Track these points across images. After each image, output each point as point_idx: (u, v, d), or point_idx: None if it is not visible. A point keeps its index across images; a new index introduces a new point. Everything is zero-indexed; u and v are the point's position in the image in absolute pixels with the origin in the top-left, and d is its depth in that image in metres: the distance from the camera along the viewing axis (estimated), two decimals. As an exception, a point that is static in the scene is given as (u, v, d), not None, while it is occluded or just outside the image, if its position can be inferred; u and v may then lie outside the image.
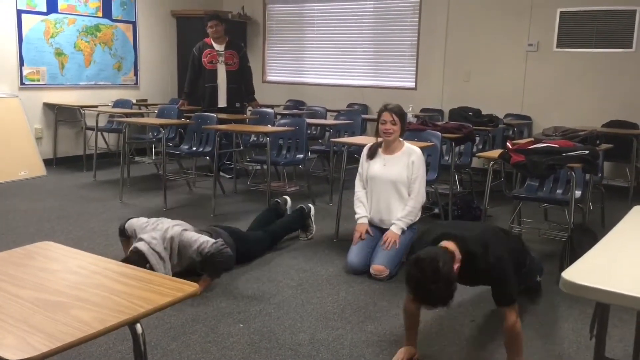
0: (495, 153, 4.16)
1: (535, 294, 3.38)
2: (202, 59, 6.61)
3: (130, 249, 3.35)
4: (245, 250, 3.82)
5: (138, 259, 3.13)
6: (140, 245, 3.24)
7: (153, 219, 3.53)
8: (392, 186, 3.83)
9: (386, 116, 3.79)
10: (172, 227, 3.41)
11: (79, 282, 1.45)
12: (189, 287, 1.41)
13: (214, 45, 6.63)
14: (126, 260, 3.06)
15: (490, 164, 4.14)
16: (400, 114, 3.80)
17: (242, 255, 3.76)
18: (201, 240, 3.36)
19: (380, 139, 3.92)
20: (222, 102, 6.66)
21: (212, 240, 3.37)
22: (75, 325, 1.19)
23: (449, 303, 2.26)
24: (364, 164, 3.99)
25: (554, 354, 2.74)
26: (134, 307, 1.29)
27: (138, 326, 1.34)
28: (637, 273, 1.49)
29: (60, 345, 1.10)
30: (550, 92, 6.88)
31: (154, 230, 3.37)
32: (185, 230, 3.43)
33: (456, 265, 2.30)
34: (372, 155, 3.95)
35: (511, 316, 2.42)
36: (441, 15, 7.46)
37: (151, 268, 3.14)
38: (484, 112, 6.20)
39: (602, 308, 2.00)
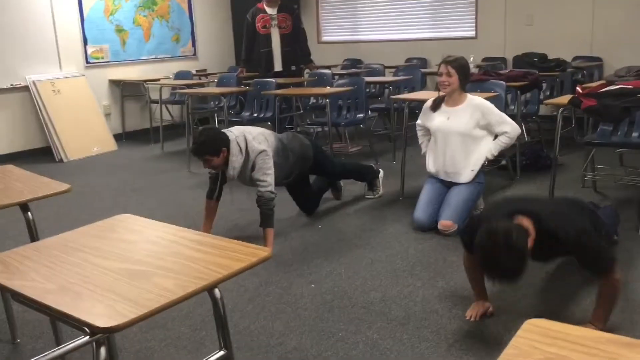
0: (565, 99, 3.99)
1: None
2: (256, 24, 6.51)
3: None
4: (321, 159, 3.99)
5: (214, 138, 3.40)
6: (234, 130, 3.55)
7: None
8: (457, 138, 3.76)
9: (442, 68, 3.74)
10: (266, 144, 3.60)
11: (158, 252, 1.51)
12: (262, 252, 1.45)
13: (267, 9, 6.52)
14: (201, 132, 3.46)
15: (560, 111, 3.98)
16: (458, 65, 3.70)
17: (315, 167, 3.96)
18: (265, 177, 3.48)
19: (442, 93, 3.84)
20: (277, 66, 6.55)
21: (271, 188, 3.47)
22: (158, 292, 1.25)
23: (517, 279, 2.19)
24: (427, 115, 3.93)
25: (636, 305, 2.66)
26: (212, 273, 1.34)
27: (216, 291, 1.40)
28: None
29: (146, 312, 1.16)
30: (621, 30, 6.48)
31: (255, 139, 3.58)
32: (268, 156, 3.54)
33: (530, 242, 2.20)
34: (435, 107, 3.88)
35: (612, 278, 2.30)
36: (500, -43, 7.12)
37: (217, 162, 3.43)
38: (550, 57, 5.95)
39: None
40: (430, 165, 3.92)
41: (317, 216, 4.12)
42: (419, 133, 4.08)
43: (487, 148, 3.77)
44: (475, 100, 3.78)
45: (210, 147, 3.42)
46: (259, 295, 2.95)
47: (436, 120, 3.85)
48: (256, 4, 6.64)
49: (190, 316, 2.75)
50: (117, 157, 6.53)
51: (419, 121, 4.05)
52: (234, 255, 1.43)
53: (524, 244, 2.14)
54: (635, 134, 4.04)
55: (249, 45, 6.65)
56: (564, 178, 4.56)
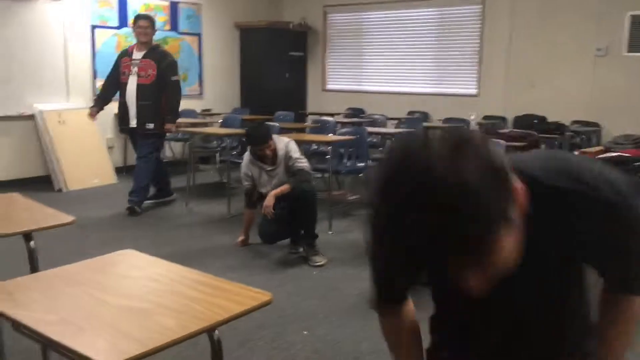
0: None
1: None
2: (120, 68, 5.49)
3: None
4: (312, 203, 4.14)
5: (260, 128, 4.31)
6: (280, 138, 4.23)
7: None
8: None
9: None
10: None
11: (159, 290, 1.53)
12: (263, 296, 1.47)
13: (134, 51, 5.45)
14: (251, 125, 4.47)
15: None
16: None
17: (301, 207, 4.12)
18: (302, 157, 4.18)
19: None
20: (132, 121, 5.49)
21: (309, 166, 4.20)
22: (159, 330, 1.26)
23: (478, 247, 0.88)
24: None
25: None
26: (212, 314, 1.36)
27: (216, 333, 1.41)
28: None
29: (147, 350, 1.17)
30: (620, 98, 6.64)
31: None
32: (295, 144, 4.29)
33: (521, 195, 0.93)
34: None
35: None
36: (505, 20, 7.35)
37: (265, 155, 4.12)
38: (549, 120, 6.06)
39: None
40: None
41: (312, 264, 4.12)
42: None
43: None
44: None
45: (267, 135, 4.13)
46: (251, 338, 2.94)
47: None
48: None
49: (182, 356, 2.73)
50: (116, 190, 6.55)
51: None
52: (235, 298, 1.45)
53: (502, 165, 0.89)
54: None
55: (105, 84, 5.69)
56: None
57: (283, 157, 4.15)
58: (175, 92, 5.52)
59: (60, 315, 1.34)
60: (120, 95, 5.52)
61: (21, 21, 6.42)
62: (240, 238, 4.44)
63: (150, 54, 5.41)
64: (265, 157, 4.16)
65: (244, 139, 6.73)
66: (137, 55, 5.41)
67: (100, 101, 5.72)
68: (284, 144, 4.18)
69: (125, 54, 5.49)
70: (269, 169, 4.18)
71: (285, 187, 4.03)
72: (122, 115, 5.57)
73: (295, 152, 4.16)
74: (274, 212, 3.98)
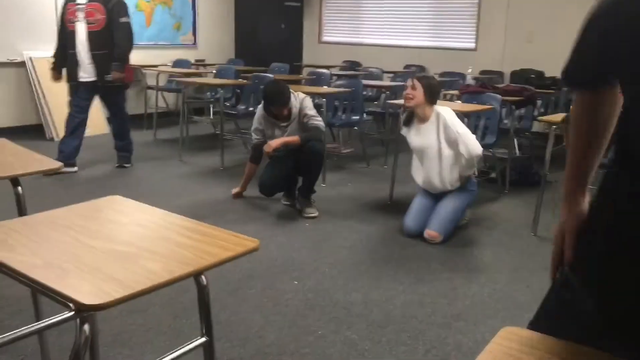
0: (558, 117, 4.03)
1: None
2: (65, 16, 4.91)
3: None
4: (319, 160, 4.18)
5: (277, 86, 4.06)
6: (295, 94, 4.10)
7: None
8: (428, 156, 3.78)
9: (409, 81, 3.78)
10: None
11: (146, 235, 1.51)
12: (250, 242, 1.46)
13: None
14: (265, 88, 4.10)
15: (552, 128, 4.03)
16: (427, 83, 3.73)
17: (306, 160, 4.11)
18: (317, 114, 4.10)
19: (406, 104, 3.84)
20: (83, 74, 4.89)
21: (323, 124, 4.14)
22: (144, 274, 1.26)
23: None
24: (404, 130, 3.95)
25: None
26: (199, 259, 1.35)
27: (203, 278, 1.40)
28: None
29: (133, 292, 1.17)
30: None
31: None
32: (310, 100, 4.21)
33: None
34: (407, 123, 3.90)
35: None
36: (505, -28, 7.19)
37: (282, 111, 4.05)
38: (547, 75, 6.00)
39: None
40: (419, 179, 3.93)
41: (304, 216, 4.13)
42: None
43: (457, 171, 3.74)
44: (440, 115, 3.74)
45: (287, 97, 4.02)
46: (241, 287, 2.96)
47: (411, 138, 3.88)
48: None
49: (171, 303, 2.75)
50: (108, 140, 6.49)
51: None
52: (221, 243, 1.44)
53: None
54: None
55: (59, 36, 5.01)
56: (552, 196, 4.61)
57: (297, 113, 4.09)
58: (125, 36, 4.88)
59: (45, 259, 1.32)
60: (69, 46, 4.88)
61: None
62: (236, 190, 4.43)
63: None
64: (281, 115, 4.10)
65: (237, 90, 6.70)
66: None
67: (60, 60, 4.99)
68: (299, 100, 4.11)
69: None
70: (283, 124, 4.13)
71: (295, 139, 4.00)
72: (71, 68, 4.93)
73: (310, 109, 4.09)
74: (273, 153, 4.00)
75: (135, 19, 7.44)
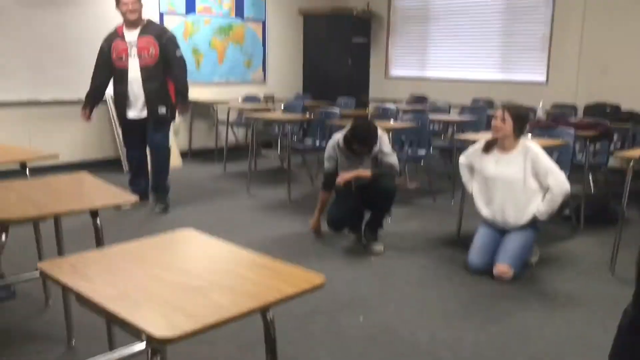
0: (636, 152, 3.86)
1: None
2: (111, 54, 4.80)
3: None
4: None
5: (369, 127, 3.98)
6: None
7: None
8: (503, 187, 3.69)
9: (497, 112, 3.72)
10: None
11: (216, 269, 1.55)
12: (316, 278, 1.47)
13: (125, 33, 4.77)
14: (355, 125, 4.00)
15: (630, 164, 3.86)
16: (516, 113, 3.66)
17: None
18: (394, 155, 4.09)
19: (494, 136, 3.78)
20: (133, 111, 4.85)
21: (397, 162, 4.11)
22: (214, 308, 1.29)
23: None
24: (476, 156, 3.88)
25: None
26: (266, 295, 1.37)
27: (269, 314, 1.42)
28: None
29: (202, 326, 1.20)
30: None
31: None
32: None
33: None
34: (487, 149, 3.82)
35: None
36: (577, 2, 7.03)
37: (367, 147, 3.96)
38: (623, 108, 5.77)
39: None
40: (484, 211, 3.85)
41: (370, 251, 4.11)
42: (464, 171, 4.02)
43: (535, 205, 3.64)
44: (529, 148, 3.66)
45: (375, 139, 3.97)
46: (306, 322, 2.96)
47: (484, 164, 3.80)
48: (116, 27, 4.88)
49: (238, 336, 2.78)
50: (181, 173, 6.73)
51: (462, 159, 4.00)
52: (288, 279, 1.46)
53: None
54: None
55: (96, 78, 4.92)
56: (631, 234, 4.39)
57: (374, 149, 4.05)
58: (182, 70, 4.85)
59: (119, 290, 1.38)
60: (116, 83, 4.84)
61: (95, 13, 6.64)
62: (313, 221, 4.37)
63: (147, 30, 4.74)
64: (362, 153, 4.02)
65: (304, 125, 6.79)
66: (131, 36, 4.73)
67: (92, 99, 4.95)
68: (378, 136, 4.03)
69: (114, 37, 4.78)
70: (357, 157, 4.09)
71: (367, 173, 3.99)
72: (121, 107, 4.89)
73: (387, 146, 4.06)
74: (344, 186, 4.02)
75: (209, 57, 7.78)
